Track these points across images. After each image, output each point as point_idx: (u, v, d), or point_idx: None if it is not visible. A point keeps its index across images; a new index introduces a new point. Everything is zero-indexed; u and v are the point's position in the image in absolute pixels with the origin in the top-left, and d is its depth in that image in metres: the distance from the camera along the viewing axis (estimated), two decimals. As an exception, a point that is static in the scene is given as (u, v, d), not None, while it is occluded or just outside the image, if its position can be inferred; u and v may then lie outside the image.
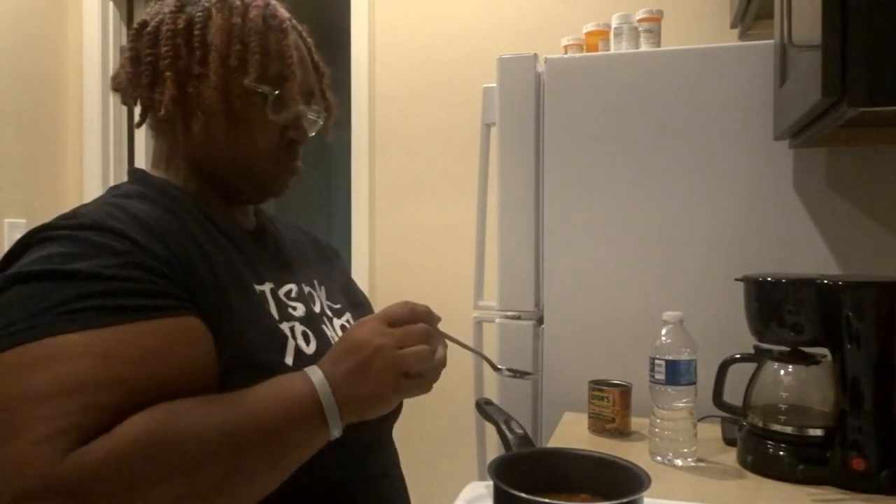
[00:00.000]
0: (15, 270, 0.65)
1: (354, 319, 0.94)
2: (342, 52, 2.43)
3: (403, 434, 1.03)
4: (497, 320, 1.56)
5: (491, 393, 1.45)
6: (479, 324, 1.67)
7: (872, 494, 0.97)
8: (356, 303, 1.02)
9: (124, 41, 2.62)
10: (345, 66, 2.39)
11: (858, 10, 0.85)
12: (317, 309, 0.88)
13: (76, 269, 0.64)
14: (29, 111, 2.38)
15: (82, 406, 0.59)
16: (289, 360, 0.75)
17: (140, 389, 0.62)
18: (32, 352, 0.60)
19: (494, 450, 1.48)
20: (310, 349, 0.79)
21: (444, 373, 1.06)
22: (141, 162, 2.60)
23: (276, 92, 0.81)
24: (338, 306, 0.94)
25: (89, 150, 2.54)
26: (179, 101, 0.79)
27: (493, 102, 1.58)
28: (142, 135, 2.64)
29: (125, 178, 0.85)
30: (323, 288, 0.93)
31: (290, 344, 0.76)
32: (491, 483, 0.66)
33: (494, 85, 1.58)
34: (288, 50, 0.82)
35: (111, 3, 2.57)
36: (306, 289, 0.89)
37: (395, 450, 0.92)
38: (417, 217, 2.44)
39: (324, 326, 0.85)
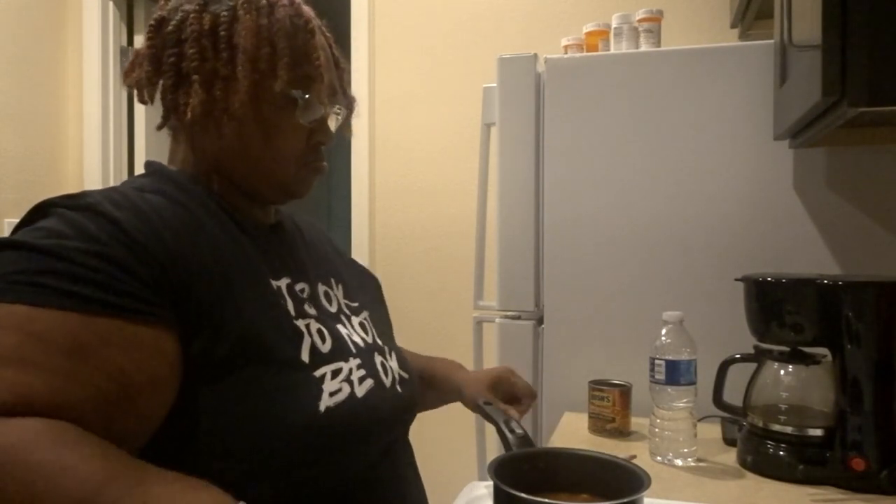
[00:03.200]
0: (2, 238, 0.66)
1: (371, 316, 0.93)
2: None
3: (403, 434, 1.03)
4: (497, 320, 1.56)
5: (491, 393, 1.45)
6: (479, 324, 1.67)
7: (872, 494, 0.98)
8: (376, 301, 1.00)
9: (124, 41, 2.63)
10: (345, 66, 2.39)
11: (858, 10, 0.85)
12: (332, 308, 0.86)
13: (42, 244, 0.63)
14: (29, 111, 2.38)
15: None
16: (304, 356, 0.74)
17: (60, 382, 0.59)
18: None
19: (494, 450, 1.48)
20: (325, 347, 0.77)
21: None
22: (140, 162, 2.60)
23: (307, 96, 0.79)
24: (355, 304, 0.92)
25: (89, 150, 2.54)
26: (207, 106, 0.76)
27: (493, 102, 1.58)
28: (141, 135, 2.63)
29: (125, 178, 0.84)
30: (341, 286, 0.92)
31: (307, 340, 0.75)
32: (491, 483, 0.66)
33: (494, 85, 1.58)
34: (315, 51, 0.79)
35: (111, 3, 2.57)
36: (322, 287, 0.87)
37: (410, 450, 0.90)
38: (417, 217, 2.44)
39: (339, 325, 0.83)
